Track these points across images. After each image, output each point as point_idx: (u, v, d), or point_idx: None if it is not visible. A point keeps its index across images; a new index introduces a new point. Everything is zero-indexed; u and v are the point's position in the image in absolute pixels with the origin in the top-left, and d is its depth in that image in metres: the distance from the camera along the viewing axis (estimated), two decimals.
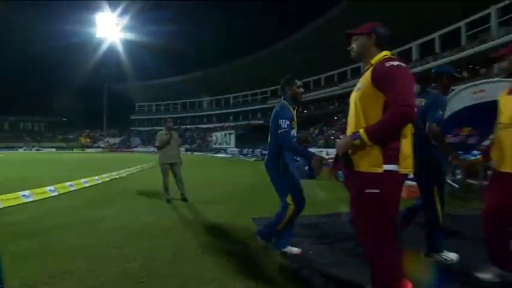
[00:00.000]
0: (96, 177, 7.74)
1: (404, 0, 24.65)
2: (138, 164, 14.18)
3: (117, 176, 9.01)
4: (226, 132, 42.24)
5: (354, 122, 1.58)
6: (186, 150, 41.88)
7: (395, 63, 1.47)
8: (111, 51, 59.40)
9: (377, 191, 1.44)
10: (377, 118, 1.47)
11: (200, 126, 59.83)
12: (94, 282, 2.03)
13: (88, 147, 57.12)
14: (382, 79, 1.46)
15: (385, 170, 1.43)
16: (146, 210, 4.42)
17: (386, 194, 1.45)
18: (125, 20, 55.19)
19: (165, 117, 36.95)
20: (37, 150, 49.15)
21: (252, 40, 54.69)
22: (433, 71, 2.60)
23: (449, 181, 5.96)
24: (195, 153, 33.44)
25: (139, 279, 2.07)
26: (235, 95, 56.65)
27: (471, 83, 6.39)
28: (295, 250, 2.54)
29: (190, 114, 63.16)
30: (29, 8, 56.08)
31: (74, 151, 48.59)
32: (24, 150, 48.30)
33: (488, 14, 23.07)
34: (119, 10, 53.33)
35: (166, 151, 5.20)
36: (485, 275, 1.98)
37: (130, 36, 57.35)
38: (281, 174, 2.46)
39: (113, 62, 62.27)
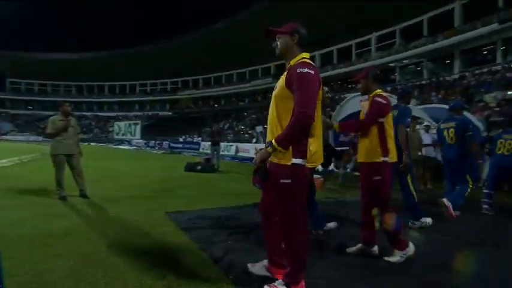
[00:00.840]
0: None
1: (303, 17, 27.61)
2: (13, 156, 11.49)
3: None
4: (131, 122, 38.41)
5: (271, 121, 1.75)
6: (81, 140, 36.04)
7: (305, 70, 1.62)
8: None
9: (288, 181, 1.64)
10: (287, 118, 1.64)
11: (99, 114, 52.41)
12: None
13: None
14: (293, 82, 1.62)
15: (293, 163, 1.64)
16: (35, 211, 3.63)
17: (295, 183, 1.66)
18: None
19: (57, 100, 31.02)
20: None
21: (164, 27, 51.18)
22: (399, 91, 3.58)
23: (340, 173, 7.13)
24: (92, 144, 29.22)
25: None
26: (142, 82, 51.79)
27: (358, 93, 7.72)
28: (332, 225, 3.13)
29: (87, 99, 54.17)
30: None
31: None
32: None
33: (370, 39, 28.38)
34: None
35: (62, 140, 4.42)
36: (352, 249, 2.51)
37: None
38: None
39: None
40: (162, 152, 20.84)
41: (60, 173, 4.39)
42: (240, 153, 18.72)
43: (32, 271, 2.01)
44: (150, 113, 49.62)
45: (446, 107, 5.74)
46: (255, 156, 1.74)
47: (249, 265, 2.03)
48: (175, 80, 49.31)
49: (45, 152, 4.71)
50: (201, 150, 21.77)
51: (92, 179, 5.53)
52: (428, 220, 3.38)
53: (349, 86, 29.38)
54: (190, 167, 8.57)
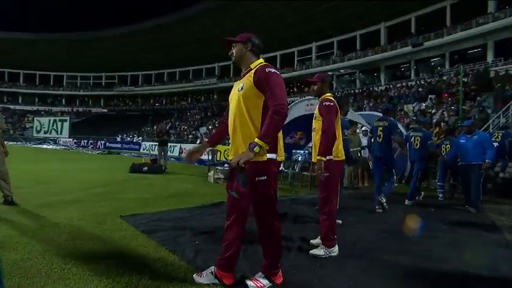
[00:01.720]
0: None
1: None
2: None
3: None
4: (57, 118, 33.79)
5: (238, 119, 1.81)
6: None
7: (273, 70, 1.77)
8: None
9: (264, 177, 1.74)
10: (258, 115, 1.76)
11: (14, 107, 44.71)
12: None
13: None
14: (262, 82, 1.73)
15: (268, 158, 1.75)
16: None
17: (269, 179, 1.77)
18: None
19: None
20: None
21: (102, 14, 46.42)
22: (385, 108, 4.92)
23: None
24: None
25: None
26: (70, 74, 46.00)
27: (306, 98, 8.28)
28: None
29: None
30: None
31: None
32: None
33: (311, 48, 30.45)
34: None
35: None
36: (318, 252, 2.59)
37: None
38: None
39: None
40: (97, 152, 18.89)
41: None
42: (184, 154, 18.15)
43: None
44: (80, 109, 44.43)
45: (380, 114, 6.70)
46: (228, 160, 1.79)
47: (195, 276, 1.94)
48: (112, 74, 45.18)
49: None
50: (142, 150, 20.44)
51: (20, 184, 4.80)
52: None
53: (291, 90, 31.03)
54: (136, 168, 8.03)
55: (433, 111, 11.23)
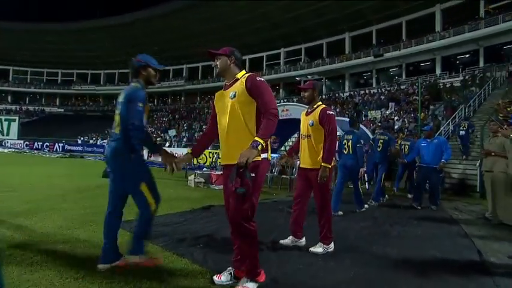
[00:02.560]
0: None
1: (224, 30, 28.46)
2: None
3: None
4: (2, 117, 30.50)
5: (232, 123, 1.93)
6: None
7: (261, 78, 1.97)
8: None
9: (253, 174, 1.84)
10: (252, 119, 1.92)
11: None
12: None
13: None
14: (254, 89, 1.89)
15: (262, 158, 1.92)
16: None
17: (258, 177, 1.90)
18: None
19: None
20: None
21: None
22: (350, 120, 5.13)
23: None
24: None
25: None
26: (18, 68, 41.85)
27: (282, 103, 8.62)
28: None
29: None
30: None
31: None
32: None
33: (279, 53, 31.32)
34: None
35: None
36: (286, 241, 2.89)
37: None
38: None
39: None
40: (57, 156, 17.52)
41: None
42: (153, 158, 17.55)
43: None
44: (31, 108, 40.62)
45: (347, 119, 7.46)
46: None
47: (215, 277, 2.02)
48: (70, 71, 42.10)
49: None
50: None
51: None
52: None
53: None
54: (109, 173, 7.69)
55: (396, 118, 12.27)
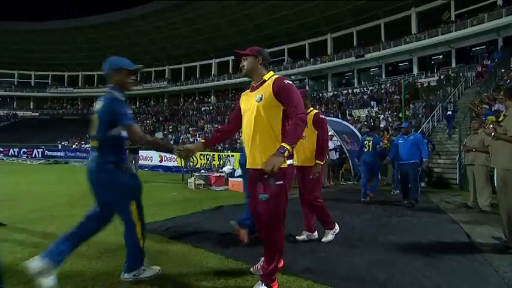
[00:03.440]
0: None
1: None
2: None
3: None
4: None
5: (258, 127, 1.88)
6: None
7: (289, 81, 1.88)
8: None
9: (281, 182, 1.83)
10: (278, 123, 1.87)
11: None
12: None
13: None
14: (282, 93, 1.83)
15: (288, 164, 1.88)
16: None
17: (286, 183, 1.87)
18: None
19: None
20: None
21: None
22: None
23: None
24: None
25: None
26: None
27: None
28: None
29: None
30: None
31: None
32: None
33: None
34: None
35: None
36: (301, 237, 3.06)
37: None
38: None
39: None
40: (39, 162, 16.89)
41: None
42: (141, 161, 17.33)
43: None
44: (2, 113, 38.48)
45: (338, 120, 7.90)
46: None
47: (251, 269, 2.10)
48: (45, 73, 40.33)
49: None
50: None
51: None
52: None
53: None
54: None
55: (382, 116, 12.94)
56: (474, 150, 4.90)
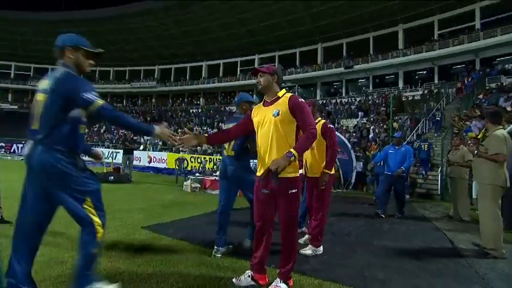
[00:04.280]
0: None
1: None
2: None
3: None
4: None
5: (275, 139, 2.05)
6: None
7: (302, 99, 2.10)
8: None
9: (295, 190, 2.05)
10: (293, 136, 2.07)
11: None
12: None
13: None
14: (296, 109, 2.04)
15: (300, 173, 2.16)
16: None
17: (298, 191, 2.09)
18: None
19: None
20: None
21: None
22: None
23: None
24: None
25: None
26: None
27: None
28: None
29: None
30: None
31: None
32: None
33: (253, 59, 32.08)
34: None
35: None
36: (307, 251, 3.01)
37: None
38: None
39: None
40: (21, 158, 16.28)
41: None
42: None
43: None
44: None
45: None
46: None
47: (234, 280, 2.18)
48: (26, 65, 38.85)
49: None
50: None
51: None
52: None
53: (233, 99, 32.00)
54: (101, 178, 7.70)
55: (372, 127, 13.51)
56: (456, 164, 5.37)
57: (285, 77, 27.83)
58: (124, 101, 38.45)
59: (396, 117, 14.29)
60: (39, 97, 1.67)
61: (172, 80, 36.08)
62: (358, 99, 22.34)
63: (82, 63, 1.79)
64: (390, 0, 21.61)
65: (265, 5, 25.50)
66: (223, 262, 2.64)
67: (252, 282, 2.16)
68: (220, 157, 13.30)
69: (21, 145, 21.69)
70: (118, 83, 37.59)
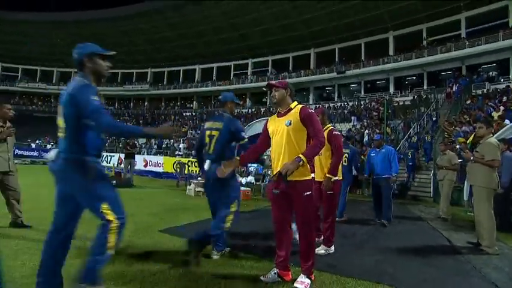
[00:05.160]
0: None
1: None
2: None
3: None
4: None
5: (287, 147, 2.25)
6: None
7: (312, 110, 2.33)
8: None
9: (309, 192, 2.26)
10: (304, 144, 2.26)
11: None
12: None
13: None
14: (307, 119, 2.24)
15: (312, 177, 2.35)
16: None
17: (312, 193, 2.29)
18: None
19: None
20: None
21: None
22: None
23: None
24: None
25: None
26: None
27: (265, 118, 9.51)
28: None
29: None
30: None
31: None
32: None
33: (247, 63, 32.39)
34: None
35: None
36: (320, 251, 3.16)
37: None
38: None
39: None
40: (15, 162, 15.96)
41: None
42: (121, 165, 16.98)
43: None
44: None
45: None
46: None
47: (262, 277, 2.35)
48: (13, 66, 38.02)
49: None
50: None
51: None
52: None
53: None
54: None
55: (367, 131, 13.91)
56: (444, 168, 5.76)
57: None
58: (116, 103, 38.06)
59: (388, 122, 14.76)
60: (59, 109, 1.82)
61: (165, 83, 36.02)
62: (350, 103, 22.87)
63: (100, 69, 1.91)
64: (381, 8, 22.35)
65: (259, 10, 25.93)
66: (246, 262, 2.80)
67: (278, 279, 2.34)
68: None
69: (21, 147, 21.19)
70: (110, 86, 37.17)
